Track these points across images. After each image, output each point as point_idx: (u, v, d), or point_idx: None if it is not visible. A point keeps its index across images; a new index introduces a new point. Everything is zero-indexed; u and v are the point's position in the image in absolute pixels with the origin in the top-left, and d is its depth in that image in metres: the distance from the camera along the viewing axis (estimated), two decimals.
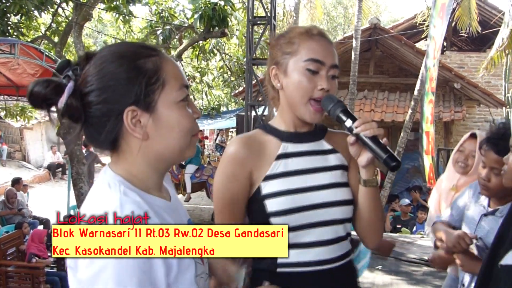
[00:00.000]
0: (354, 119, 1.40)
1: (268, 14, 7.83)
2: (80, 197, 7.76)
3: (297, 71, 1.47)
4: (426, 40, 9.46)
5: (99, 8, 10.22)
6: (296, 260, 1.48)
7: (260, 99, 9.23)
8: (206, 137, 20.48)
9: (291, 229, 1.44)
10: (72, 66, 1.04)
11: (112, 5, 9.72)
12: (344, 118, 1.41)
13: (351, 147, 1.42)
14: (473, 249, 2.05)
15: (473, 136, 2.72)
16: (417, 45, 12.71)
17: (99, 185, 1.04)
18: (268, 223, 1.48)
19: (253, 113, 8.72)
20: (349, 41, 10.89)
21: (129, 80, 1.02)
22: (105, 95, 1.01)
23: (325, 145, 1.60)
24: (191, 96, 17.44)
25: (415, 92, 9.00)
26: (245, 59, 9.32)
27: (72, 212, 7.80)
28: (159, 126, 1.04)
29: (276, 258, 1.49)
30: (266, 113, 8.18)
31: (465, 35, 12.64)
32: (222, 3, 8.72)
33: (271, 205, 1.48)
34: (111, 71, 1.02)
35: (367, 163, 1.42)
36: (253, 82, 8.77)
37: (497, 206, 2.00)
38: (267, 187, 1.50)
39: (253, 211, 1.54)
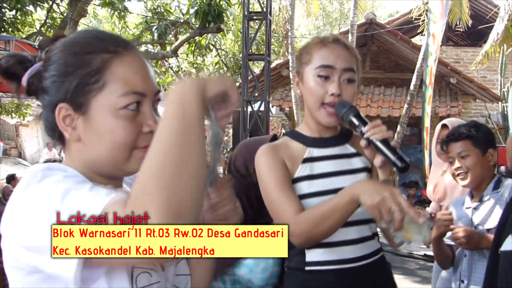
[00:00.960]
0: (365, 123, 1.44)
1: (264, 10, 7.82)
2: None
3: (311, 78, 1.55)
4: (422, 35, 9.48)
5: (94, 4, 10.17)
6: (322, 258, 1.57)
7: (256, 94, 9.22)
8: None
9: None
10: (46, 46, 0.99)
11: (107, 1, 9.68)
12: (356, 122, 1.45)
13: (366, 150, 1.46)
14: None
15: (445, 126, 3.10)
16: (413, 40, 12.73)
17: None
18: None
19: (249, 109, 8.72)
20: (345, 36, 10.88)
21: (68, 73, 0.93)
22: (48, 84, 0.95)
23: (349, 149, 1.66)
24: None
25: (411, 87, 9.03)
26: (241, 55, 9.31)
27: None
28: (90, 131, 0.94)
29: (304, 257, 1.58)
30: (262, 108, 8.19)
31: (461, 30, 12.67)
32: None
33: None
34: (58, 59, 0.95)
35: (381, 164, 1.45)
36: (249, 78, 8.77)
37: (479, 196, 2.15)
38: (296, 190, 1.56)
39: None
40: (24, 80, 0.98)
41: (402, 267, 5.96)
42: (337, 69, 1.53)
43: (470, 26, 11.62)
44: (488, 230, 2.04)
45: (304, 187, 1.57)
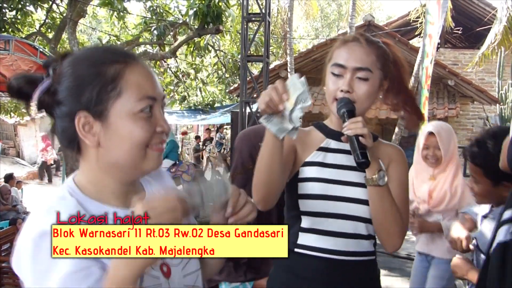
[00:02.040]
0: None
1: (263, 11, 7.82)
2: None
3: (327, 76, 1.63)
4: (420, 37, 9.48)
5: (93, 5, 10.17)
6: (314, 244, 1.62)
7: (254, 95, 9.21)
8: (186, 133, 20.54)
9: (315, 214, 1.62)
10: (54, 64, 1.06)
11: (106, 1, 9.67)
12: (344, 118, 1.50)
13: (349, 145, 1.49)
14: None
15: (431, 133, 3.06)
16: (411, 42, 12.73)
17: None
18: (297, 205, 1.64)
19: (248, 110, 8.71)
20: None
21: (85, 84, 1.01)
22: (65, 96, 1.02)
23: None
24: (186, 93, 17.40)
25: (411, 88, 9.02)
26: (239, 56, 9.31)
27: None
28: (109, 135, 1.02)
29: (297, 239, 1.65)
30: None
31: (459, 32, 12.68)
32: None
33: (302, 188, 1.63)
34: (72, 73, 1.02)
35: None
36: (248, 79, 8.76)
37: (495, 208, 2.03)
38: (304, 172, 1.65)
39: (288, 192, 1.69)
40: (35, 98, 1.04)
41: (400, 269, 5.96)
42: (348, 68, 1.57)
43: (468, 28, 11.64)
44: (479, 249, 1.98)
45: (313, 171, 1.63)
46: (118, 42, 11.22)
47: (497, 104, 12.03)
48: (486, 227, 1.98)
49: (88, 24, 15.57)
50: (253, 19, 8.35)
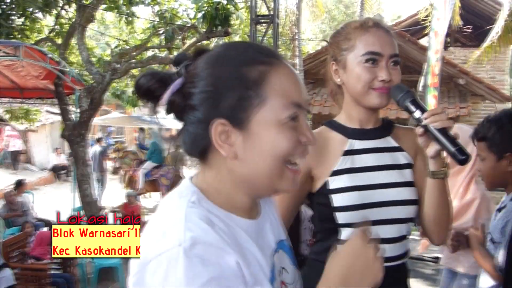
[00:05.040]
0: (423, 110, 1.37)
1: (272, 13, 7.81)
2: (85, 198, 7.76)
3: (357, 65, 1.49)
4: (429, 36, 9.43)
5: (101, 9, 10.23)
6: None
7: None
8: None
9: (355, 226, 1.48)
10: (187, 61, 0.97)
11: (113, 5, 9.71)
12: (413, 108, 1.39)
13: (420, 138, 1.40)
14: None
15: None
16: (421, 41, 12.66)
17: (170, 196, 0.96)
18: (333, 218, 1.50)
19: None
20: None
21: (225, 89, 0.90)
22: (200, 101, 0.92)
23: (391, 142, 1.60)
24: None
25: (420, 89, 8.96)
26: None
27: (76, 214, 7.79)
28: (249, 146, 0.91)
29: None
30: None
31: (469, 31, 12.59)
32: (225, 2, 8.69)
33: (337, 200, 1.49)
34: (211, 75, 0.92)
35: (435, 154, 1.40)
36: None
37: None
38: (335, 182, 1.51)
39: (318, 204, 1.56)
40: (165, 99, 0.94)
41: (412, 270, 5.91)
42: (385, 55, 1.48)
43: (478, 26, 11.55)
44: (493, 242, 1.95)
45: (345, 180, 1.50)
46: (127, 47, 11.25)
47: (510, 102, 11.93)
48: (499, 217, 1.97)
49: (96, 29, 15.65)
50: (262, 21, 8.34)
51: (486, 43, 10.02)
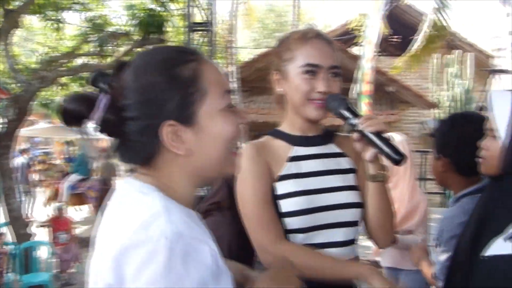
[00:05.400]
0: (358, 116, 1.41)
1: (208, 20, 7.75)
2: (12, 213, 7.30)
3: (296, 76, 1.49)
4: (360, 45, 9.77)
5: (27, 14, 9.71)
6: None
7: None
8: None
9: (303, 231, 1.49)
10: (105, 78, 0.96)
11: (37, 9, 9.25)
12: (347, 115, 1.42)
13: (357, 143, 1.43)
14: None
15: None
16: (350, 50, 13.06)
17: (126, 196, 0.95)
18: (283, 224, 1.49)
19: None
20: None
21: (166, 92, 0.93)
22: (142, 110, 0.93)
23: (334, 148, 1.61)
24: None
25: (353, 96, 9.22)
26: None
27: (4, 230, 7.30)
28: (201, 138, 0.96)
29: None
30: None
31: (396, 40, 13.14)
32: (159, 9, 8.54)
33: (285, 205, 1.48)
34: (146, 83, 0.93)
35: (372, 158, 1.42)
36: None
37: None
38: (281, 188, 1.50)
39: None
40: (98, 118, 0.92)
41: None
42: (324, 67, 1.48)
43: (404, 36, 12.08)
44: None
45: (291, 185, 1.50)
46: (58, 54, 10.76)
47: (433, 109, 12.57)
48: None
49: (23, 36, 14.88)
50: (197, 28, 8.25)
51: (409, 52, 10.53)
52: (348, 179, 1.57)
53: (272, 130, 1.64)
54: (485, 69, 6.02)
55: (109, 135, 0.96)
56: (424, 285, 2.56)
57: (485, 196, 1.48)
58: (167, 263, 0.80)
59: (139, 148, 0.95)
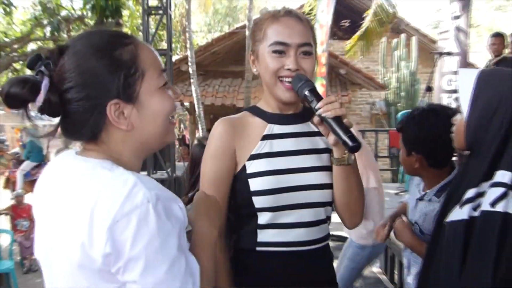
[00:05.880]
0: (319, 99, 1.35)
1: (164, 5, 7.64)
2: None
3: (266, 55, 1.45)
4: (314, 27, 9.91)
5: None
6: (276, 240, 1.47)
7: None
8: None
9: (272, 209, 1.46)
10: (44, 61, 0.98)
11: None
12: (310, 98, 1.37)
13: (319, 126, 1.38)
14: None
15: None
16: None
17: (90, 169, 0.99)
18: (251, 203, 1.46)
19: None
20: (242, 30, 11.03)
21: (109, 74, 0.98)
22: (86, 91, 0.98)
23: (312, 127, 1.56)
24: None
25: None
26: None
27: None
28: (143, 114, 1.03)
29: (256, 237, 1.49)
30: None
31: (346, 25, 13.40)
32: None
33: (255, 184, 1.45)
34: (89, 67, 0.98)
35: (334, 142, 1.37)
36: None
37: (427, 189, 2.01)
38: (252, 166, 1.47)
39: (237, 189, 1.50)
40: (40, 100, 0.96)
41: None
42: (292, 45, 1.43)
43: (353, 20, 12.34)
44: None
45: (262, 164, 1.46)
46: (7, 40, 10.35)
47: (382, 90, 12.97)
48: (424, 209, 1.99)
49: None
50: (153, 12, 8.11)
51: (355, 36, 10.85)
52: (322, 159, 1.51)
53: (250, 106, 1.62)
54: (433, 51, 6.25)
55: (52, 116, 1.00)
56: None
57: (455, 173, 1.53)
58: (158, 222, 0.91)
59: (85, 126, 1.00)
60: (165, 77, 1.08)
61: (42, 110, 0.97)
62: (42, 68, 0.97)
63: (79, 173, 0.99)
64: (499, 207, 1.22)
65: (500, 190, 1.24)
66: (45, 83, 0.96)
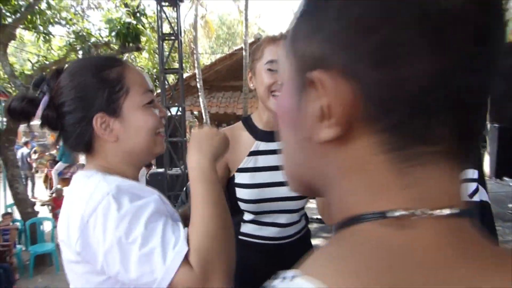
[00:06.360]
0: None
1: (176, 32, 7.70)
2: (17, 196, 7.06)
3: (262, 72, 1.43)
4: None
5: (20, 27, 9.27)
6: (254, 233, 1.51)
7: (170, 102, 9.04)
8: None
9: (254, 213, 1.49)
10: (46, 81, 0.98)
11: (32, 26, 8.87)
12: None
13: None
14: None
15: None
16: None
17: (77, 182, 0.95)
18: (237, 204, 1.49)
19: (168, 113, 8.52)
20: (240, 51, 11.06)
21: (96, 90, 0.95)
22: (76, 105, 0.95)
23: None
24: None
25: None
26: (153, 70, 9.02)
27: (9, 210, 7.07)
28: (126, 128, 0.98)
29: (239, 228, 1.51)
30: (179, 112, 8.06)
31: None
32: (134, 22, 8.39)
33: (240, 193, 1.48)
34: (79, 83, 0.96)
35: None
36: (166, 87, 8.58)
37: None
38: (239, 178, 1.48)
39: (229, 190, 1.51)
40: (39, 115, 0.96)
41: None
42: None
43: None
44: None
45: (247, 177, 1.47)
46: (47, 62, 10.35)
47: None
48: None
49: (14, 47, 14.14)
50: (167, 38, 8.16)
51: None
52: None
53: (246, 117, 1.58)
54: None
55: (51, 128, 0.99)
56: None
57: None
58: (119, 208, 0.83)
59: (77, 136, 0.97)
60: (151, 96, 1.02)
61: (42, 123, 0.98)
62: (45, 88, 0.97)
63: (72, 183, 0.97)
64: (476, 198, 1.28)
65: (474, 185, 1.28)
66: (44, 99, 0.96)
